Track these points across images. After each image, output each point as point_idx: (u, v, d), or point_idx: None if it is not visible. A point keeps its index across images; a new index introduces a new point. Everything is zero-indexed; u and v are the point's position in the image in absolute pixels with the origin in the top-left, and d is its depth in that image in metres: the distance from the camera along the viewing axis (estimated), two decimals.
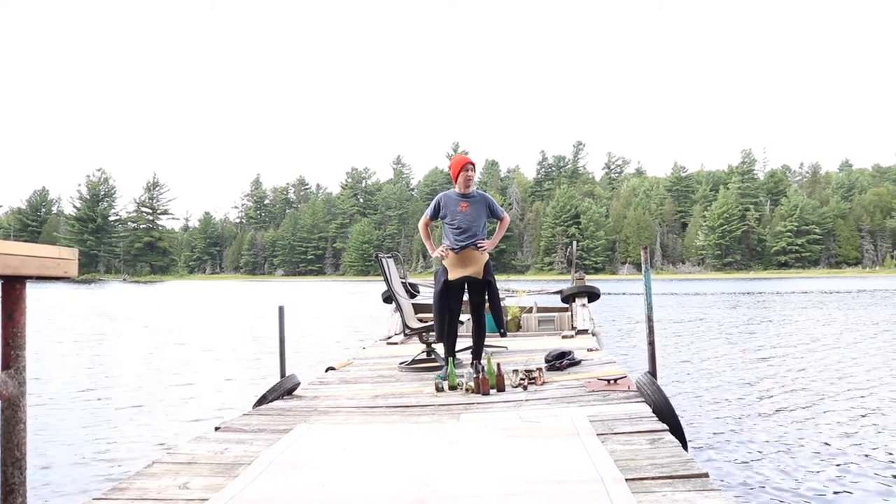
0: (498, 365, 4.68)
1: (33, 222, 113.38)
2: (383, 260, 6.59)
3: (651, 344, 4.31)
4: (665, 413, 3.55)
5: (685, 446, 3.22)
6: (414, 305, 7.51)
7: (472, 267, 5.25)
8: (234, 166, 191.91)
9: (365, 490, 2.56)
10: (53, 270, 1.60)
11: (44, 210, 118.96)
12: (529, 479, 2.59)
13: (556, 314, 9.33)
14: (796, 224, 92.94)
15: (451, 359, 4.97)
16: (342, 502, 2.45)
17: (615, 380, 4.52)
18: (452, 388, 4.70)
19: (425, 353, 6.13)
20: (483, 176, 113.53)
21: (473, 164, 5.43)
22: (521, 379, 4.73)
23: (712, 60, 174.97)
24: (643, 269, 4.42)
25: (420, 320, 6.74)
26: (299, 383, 4.88)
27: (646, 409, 3.67)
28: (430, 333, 6.09)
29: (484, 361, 4.89)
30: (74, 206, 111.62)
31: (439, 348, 5.81)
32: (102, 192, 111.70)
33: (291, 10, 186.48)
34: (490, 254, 5.42)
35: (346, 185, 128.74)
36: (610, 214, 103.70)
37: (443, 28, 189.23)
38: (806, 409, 6.77)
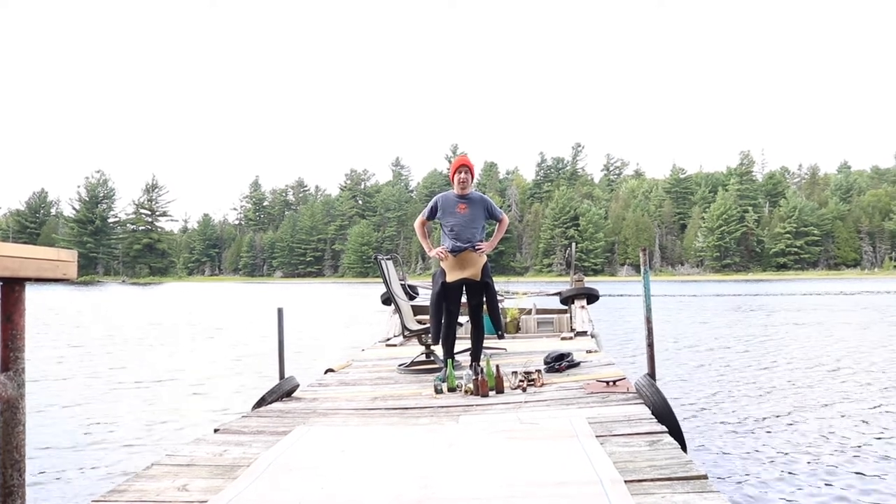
0: (497, 367, 4.68)
1: (32, 224, 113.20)
2: (382, 262, 6.59)
3: (650, 346, 4.31)
4: (664, 415, 3.55)
5: (684, 448, 3.22)
6: (413, 307, 7.51)
7: (470, 269, 5.25)
8: (232, 168, 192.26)
9: (364, 492, 2.55)
10: (52, 272, 1.60)
11: (42, 212, 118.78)
12: (528, 480, 2.59)
13: (554, 316, 9.33)
14: (795, 226, 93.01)
15: (449, 361, 4.97)
16: None
17: (614, 381, 4.52)
18: (451, 389, 4.70)
19: (424, 355, 6.13)
20: (482, 178, 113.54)
21: (469, 167, 5.40)
22: (520, 381, 4.73)
23: (711, 61, 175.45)
24: (642, 270, 4.42)
25: (419, 322, 6.74)
26: (298, 385, 4.88)
27: (645, 411, 3.67)
28: (430, 335, 6.09)
29: (483, 363, 4.89)
30: (73, 208, 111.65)
31: (438, 350, 5.80)
32: (101, 194, 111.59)
33: (291, 10, 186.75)
34: (488, 255, 5.42)
35: (345, 187, 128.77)
36: (609, 216, 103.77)
37: (443, 28, 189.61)
38: (805, 410, 6.77)
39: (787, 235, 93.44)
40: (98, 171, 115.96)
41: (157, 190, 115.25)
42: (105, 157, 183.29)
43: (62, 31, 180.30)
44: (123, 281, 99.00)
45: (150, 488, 2.65)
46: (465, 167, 5.36)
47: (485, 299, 5.41)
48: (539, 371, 4.97)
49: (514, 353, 6.70)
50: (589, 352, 6.40)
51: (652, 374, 4.15)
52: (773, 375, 9.08)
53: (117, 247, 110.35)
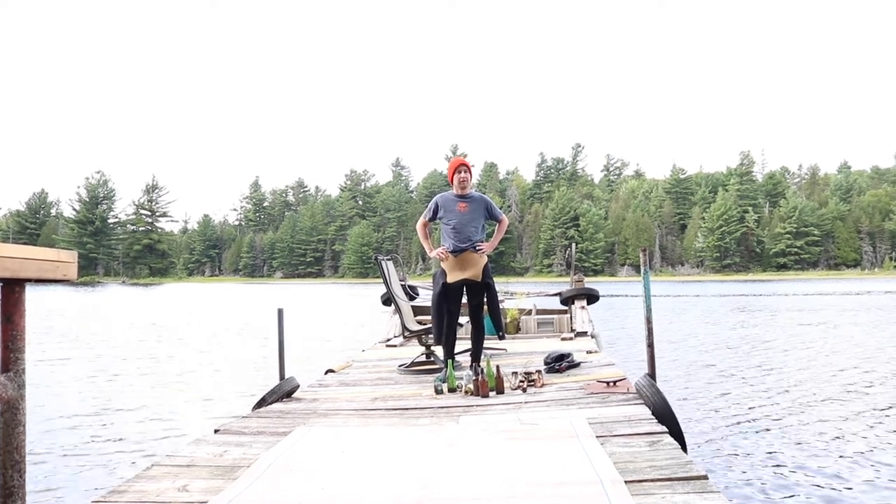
0: (497, 367, 4.67)
1: (32, 225, 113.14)
2: (382, 262, 6.58)
3: (650, 346, 4.31)
4: (664, 415, 3.55)
5: (684, 448, 3.22)
6: (413, 308, 7.50)
7: (471, 269, 5.25)
8: (232, 168, 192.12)
9: (364, 492, 2.55)
10: (52, 273, 1.60)
11: (43, 212, 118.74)
12: (529, 481, 2.59)
13: (555, 316, 9.33)
14: (795, 226, 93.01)
15: (450, 361, 4.97)
16: None
17: (614, 382, 4.52)
18: (451, 390, 4.70)
19: (424, 356, 6.13)
20: (482, 178, 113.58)
21: (468, 166, 5.41)
22: (521, 381, 4.73)
23: (711, 61, 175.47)
24: (642, 271, 4.42)
25: (419, 322, 6.74)
26: (298, 386, 4.88)
27: (645, 412, 3.67)
28: (430, 336, 6.08)
29: (483, 364, 4.89)
30: (73, 209, 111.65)
31: (438, 351, 5.80)
32: (101, 195, 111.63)
33: (291, 10, 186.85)
34: (489, 256, 5.42)
35: (345, 188, 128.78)
36: (609, 216, 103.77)
37: (443, 28, 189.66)
38: (805, 410, 6.77)
39: (788, 236, 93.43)
40: (98, 172, 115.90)
41: (157, 190, 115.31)
42: (105, 158, 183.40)
43: (62, 31, 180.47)
44: (123, 282, 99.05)
45: (150, 489, 2.65)
46: (463, 166, 5.38)
47: (486, 300, 5.41)
48: (539, 371, 4.97)
49: (515, 354, 6.70)
50: (589, 352, 6.40)
51: (652, 375, 4.15)
52: (773, 375, 9.07)
53: (117, 247, 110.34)
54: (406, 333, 6.80)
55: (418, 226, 5.61)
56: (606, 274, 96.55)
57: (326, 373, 5.99)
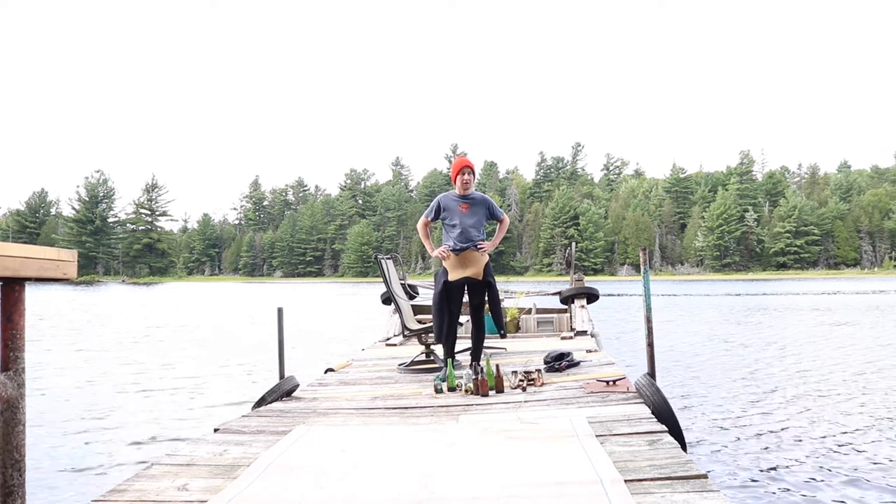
0: (497, 366, 4.68)
1: (32, 224, 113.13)
2: (382, 261, 6.59)
3: (650, 345, 4.31)
4: (664, 414, 3.55)
5: (684, 447, 3.22)
6: (413, 307, 7.50)
7: (473, 268, 5.26)
8: (232, 168, 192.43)
9: (364, 492, 2.56)
10: (52, 272, 1.60)
11: (42, 212, 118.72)
12: (528, 480, 2.59)
13: (554, 315, 9.33)
14: (795, 225, 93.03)
15: (450, 360, 4.97)
16: None
17: (614, 381, 4.52)
18: (451, 389, 4.70)
19: (424, 355, 6.13)
20: (482, 177, 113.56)
21: (471, 167, 5.44)
22: (520, 380, 4.73)
23: (711, 61, 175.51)
24: (642, 270, 4.42)
25: (419, 321, 6.74)
26: (298, 385, 4.88)
27: (645, 411, 3.67)
28: (430, 335, 6.09)
29: (483, 363, 4.89)
30: (73, 208, 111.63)
31: (438, 350, 5.80)
32: (101, 194, 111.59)
33: (291, 10, 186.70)
34: (489, 255, 5.43)
35: (345, 187, 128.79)
36: (609, 216, 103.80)
37: (443, 28, 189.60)
38: (805, 410, 6.77)
39: (787, 235, 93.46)
40: (98, 171, 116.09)
41: (156, 190, 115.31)
42: (105, 157, 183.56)
43: (62, 31, 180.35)
44: (123, 281, 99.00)
45: (150, 488, 2.65)
46: (468, 168, 5.40)
47: (487, 298, 5.42)
48: (539, 370, 4.97)
49: (514, 353, 6.70)
50: (589, 351, 6.40)
51: (652, 374, 4.15)
52: (773, 375, 9.07)
53: (117, 246, 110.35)
54: (406, 332, 6.80)
55: (419, 225, 5.63)
56: (606, 273, 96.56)
57: (326, 372, 5.99)
